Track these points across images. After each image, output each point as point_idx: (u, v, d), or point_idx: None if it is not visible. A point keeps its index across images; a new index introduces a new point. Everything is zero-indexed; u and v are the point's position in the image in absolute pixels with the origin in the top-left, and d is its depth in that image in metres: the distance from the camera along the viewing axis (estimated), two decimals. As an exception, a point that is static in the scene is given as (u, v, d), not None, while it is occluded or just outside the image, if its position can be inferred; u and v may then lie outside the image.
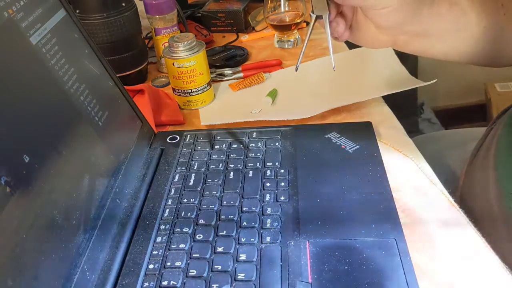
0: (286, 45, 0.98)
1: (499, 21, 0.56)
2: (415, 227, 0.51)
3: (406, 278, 0.44)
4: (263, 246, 0.49)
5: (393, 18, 0.51)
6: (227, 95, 0.83)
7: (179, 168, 0.62)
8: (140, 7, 0.87)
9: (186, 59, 0.75)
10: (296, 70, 0.57)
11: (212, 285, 0.45)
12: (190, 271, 0.47)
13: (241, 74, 0.88)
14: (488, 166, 0.62)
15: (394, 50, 0.84)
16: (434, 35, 0.56)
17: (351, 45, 0.88)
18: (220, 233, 0.51)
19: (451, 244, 0.49)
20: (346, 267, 0.46)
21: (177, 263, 0.48)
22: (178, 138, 0.68)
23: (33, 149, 0.43)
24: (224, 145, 0.65)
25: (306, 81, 0.84)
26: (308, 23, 1.06)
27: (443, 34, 0.56)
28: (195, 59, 0.76)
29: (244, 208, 0.54)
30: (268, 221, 0.52)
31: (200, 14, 1.08)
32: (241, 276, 0.46)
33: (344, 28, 0.55)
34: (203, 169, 0.61)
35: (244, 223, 0.52)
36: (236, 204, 0.55)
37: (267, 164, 0.61)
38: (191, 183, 0.59)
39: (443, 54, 0.59)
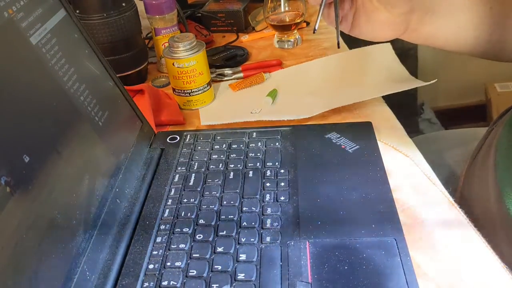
0: (286, 45, 0.98)
1: (505, 4, 0.56)
2: (415, 227, 0.51)
3: (406, 278, 0.44)
4: (263, 246, 0.49)
5: None
6: (227, 95, 0.83)
7: (179, 168, 0.62)
8: (140, 7, 0.87)
9: (186, 59, 0.75)
10: (314, 32, 0.59)
11: (212, 285, 0.45)
12: (190, 271, 0.47)
13: (241, 74, 0.88)
14: (488, 167, 0.62)
15: (394, 50, 0.84)
16: (442, 10, 0.56)
17: (351, 45, 0.89)
18: (220, 233, 0.51)
19: (451, 244, 0.49)
20: (346, 267, 0.46)
21: (177, 263, 0.48)
22: (178, 138, 0.68)
23: (33, 149, 0.43)
24: (224, 145, 0.65)
25: (306, 81, 0.84)
26: (308, 23, 1.06)
27: (452, 10, 0.56)
28: (195, 59, 0.76)
29: (244, 208, 0.54)
30: (268, 221, 0.52)
31: (200, 14, 1.08)
32: (241, 276, 0.46)
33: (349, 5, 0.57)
34: (203, 169, 0.61)
35: (244, 223, 0.52)
36: (236, 204, 0.55)
37: (267, 164, 0.61)
38: (191, 183, 0.59)
39: (453, 39, 0.59)
